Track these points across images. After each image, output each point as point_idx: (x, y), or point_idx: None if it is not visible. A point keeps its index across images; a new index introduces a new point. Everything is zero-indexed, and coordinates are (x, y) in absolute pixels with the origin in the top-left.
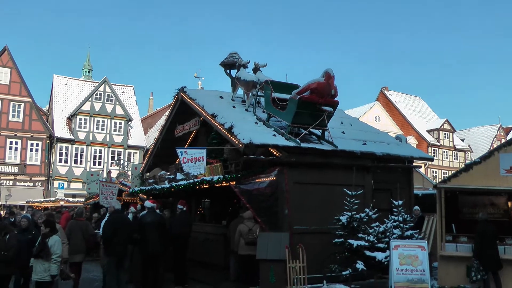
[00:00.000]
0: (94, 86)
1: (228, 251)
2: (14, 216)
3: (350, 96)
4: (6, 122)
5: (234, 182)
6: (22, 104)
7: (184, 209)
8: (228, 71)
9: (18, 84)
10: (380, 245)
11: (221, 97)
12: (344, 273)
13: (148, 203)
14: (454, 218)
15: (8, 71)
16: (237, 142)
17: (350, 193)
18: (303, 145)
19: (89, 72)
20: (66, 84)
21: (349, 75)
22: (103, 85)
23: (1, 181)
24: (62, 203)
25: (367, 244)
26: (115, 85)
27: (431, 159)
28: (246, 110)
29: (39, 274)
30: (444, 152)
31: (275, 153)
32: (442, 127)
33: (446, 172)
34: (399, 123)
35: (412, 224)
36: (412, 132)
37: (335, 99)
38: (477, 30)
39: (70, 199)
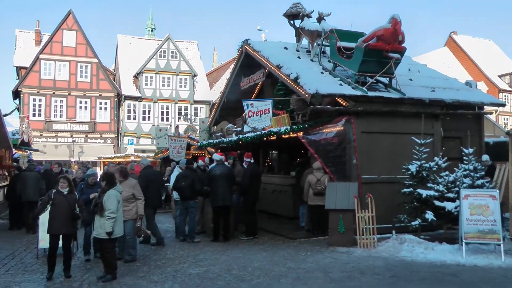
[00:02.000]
0: (158, 44)
1: (297, 201)
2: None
3: (418, 42)
4: (75, 83)
5: (301, 133)
6: (89, 65)
7: (252, 161)
8: (291, 21)
9: (84, 46)
10: (450, 194)
11: (285, 48)
12: (413, 223)
13: (216, 156)
14: None
15: (73, 34)
16: (303, 92)
17: (419, 141)
18: (370, 93)
19: (152, 30)
20: (130, 43)
21: (416, 21)
22: (166, 43)
23: (74, 139)
24: (132, 158)
25: (436, 194)
26: (178, 41)
27: (503, 105)
28: (311, 60)
29: (96, 230)
30: None
31: (341, 102)
32: None
33: None
34: (469, 69)
35: (483, 173)
36: (483, 77)
37: (402, 45)
38: None
39: (140, 154)
